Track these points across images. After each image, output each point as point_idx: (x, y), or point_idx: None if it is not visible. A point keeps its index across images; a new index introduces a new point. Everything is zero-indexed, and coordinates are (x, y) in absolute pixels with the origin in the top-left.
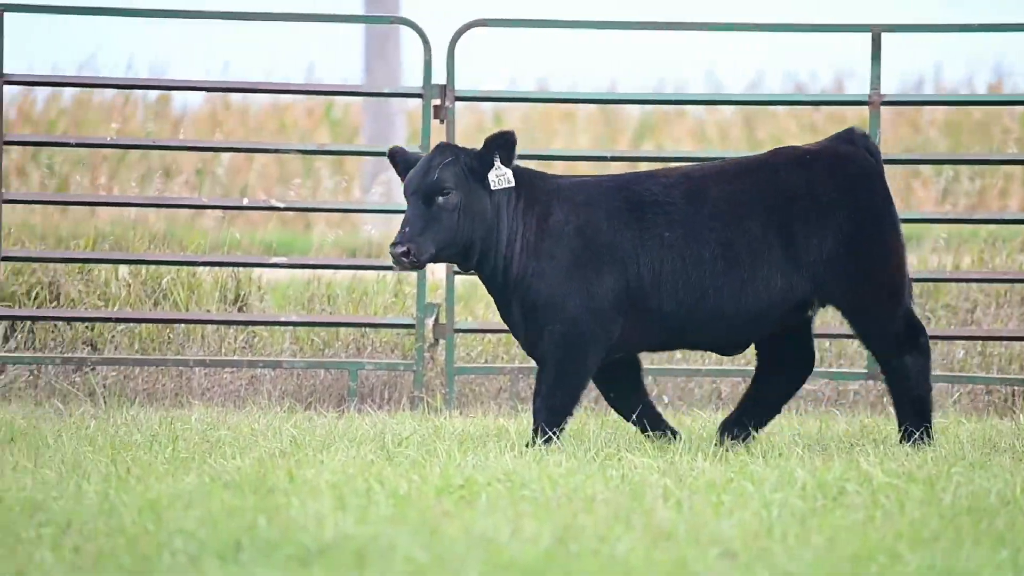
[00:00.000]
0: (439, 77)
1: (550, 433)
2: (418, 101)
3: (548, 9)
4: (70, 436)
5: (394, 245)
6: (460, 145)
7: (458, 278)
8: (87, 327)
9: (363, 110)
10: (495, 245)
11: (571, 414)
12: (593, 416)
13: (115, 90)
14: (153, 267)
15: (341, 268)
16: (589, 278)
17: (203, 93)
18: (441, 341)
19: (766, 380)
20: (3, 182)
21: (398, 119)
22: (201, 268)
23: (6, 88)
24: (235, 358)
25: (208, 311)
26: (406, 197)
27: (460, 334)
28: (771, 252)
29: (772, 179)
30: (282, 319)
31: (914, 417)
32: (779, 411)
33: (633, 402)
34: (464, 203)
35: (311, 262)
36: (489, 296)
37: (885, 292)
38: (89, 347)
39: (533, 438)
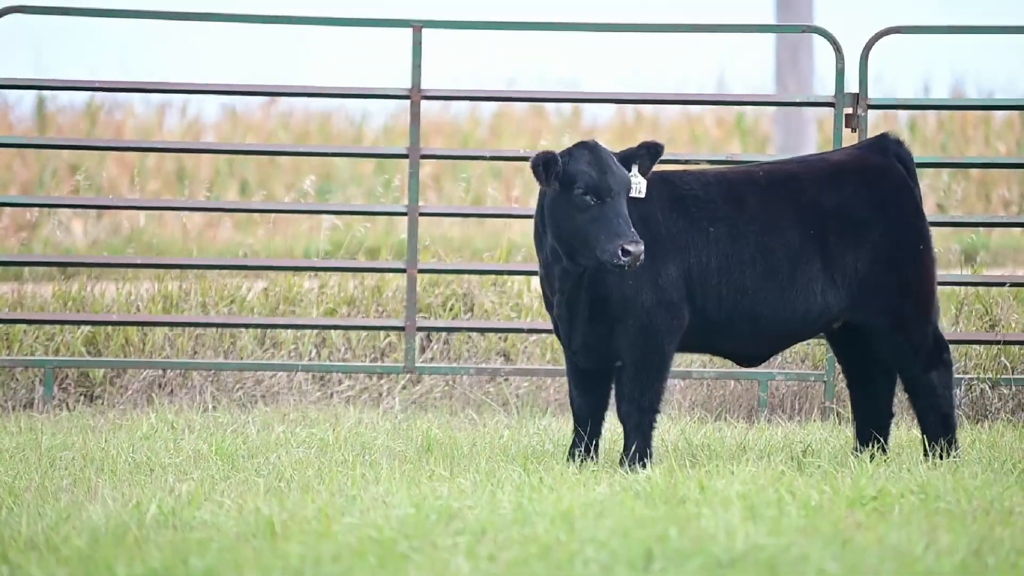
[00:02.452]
0: (851, 85)
1: (645, 436)
2: (830, 110)
3: (962, 14)
4: (484, 446)
5: (636, 243)
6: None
7: None
8: (500, 338)
9: (774, 120)
10: None
11: (659, 411)
12: (1010, 428)
13: (530, 104)
14: None
15: None
16: (656, 269)
17: (613, 105)
18: None
19: (865, 394)
20: (420, 195)
21: (809, 128)
22: None
23: (424, 102)
24: None
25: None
26: (613, 196)
27: None
28: (810, 265)
29: (805, 193)
30: None
31: (942, 432)
32: (892, 414)
33: (596, 413)
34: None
35: None
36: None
37: (920, 310)
38: (503, 357)
39: (627, 445)
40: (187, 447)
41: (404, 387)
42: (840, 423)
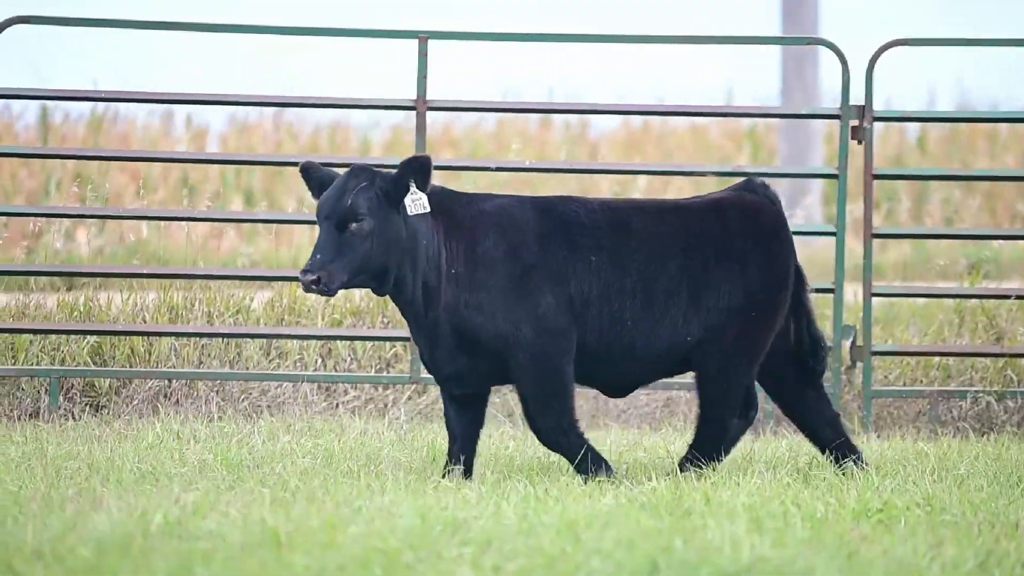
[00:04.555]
0: (857, 98)
1: (583, 446)
2: (836, 122)
3: (966, 26)
4: (490, 457)
5: (304, 272)
6: (376, 168)
7: (876, 300)
8: None
9: (780, 131)
10: (411, 271)
11: (578, 422)
12: (1016, 441)
13: (537, 115)
14: None
15: None
16: (535, 299)
17: (620, 117)
18: (858, 363)
19: (796, 406)
20: None
21: (816, 140)
22: None
23: (429, 114)
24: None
25: None
26: (319, 221)
27: (878, 356)
28: (680, 295)
29: (689, 223)
30: None
31: (698, 461)
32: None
33: (471, 436)
34: (378, 230)
35: None
36: (901, 318)
37: (754, 356)
38: None
39: (576, 465)
40: (193, 457)
41: (410, 398)
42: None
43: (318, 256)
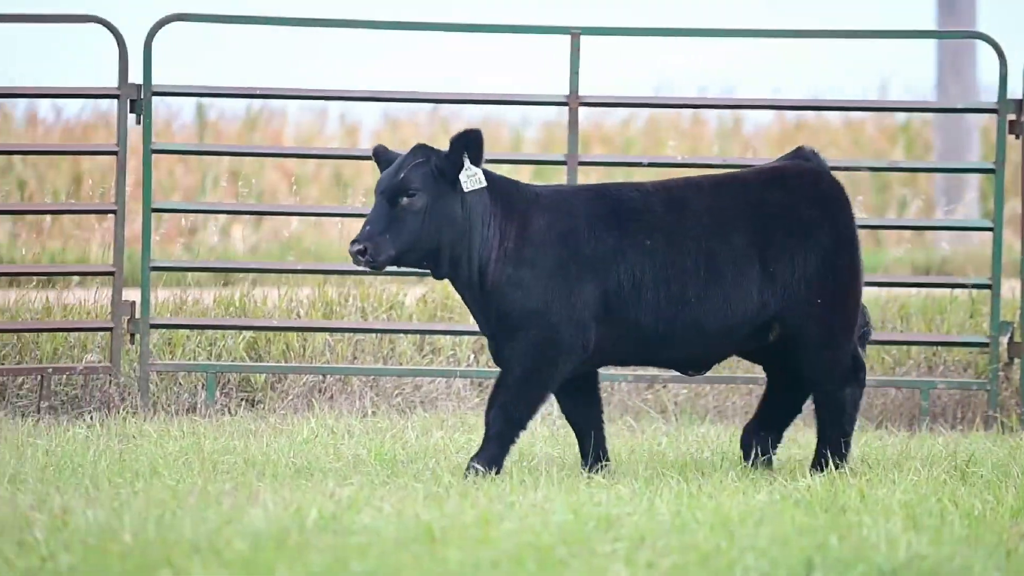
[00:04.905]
0: (1016, 91)
1: (503, 446)
2: (993, 116)
3: None
4: (643, 453)
5: (352, 243)
6: (435, 148)
7: None
8: None
9: (935, 126)
10: (467, 251)
11: (524, 428)
12: None
13: (685, 110)
14: None
15: (902, 286)
16: (570, 286)
17: (774, 111)
18: (1016, 360)
19: (777, 396)
20: None
21: (972, 136)
22: None
23: (581, 109)
24: None
25: None
26: (375, 195)
27: None
28: (750, 268)
29: (750, 195)
30: None
31: (835, 455)
32: (788, 426)
33: (591, 419)
34: (431, 206)
35: (879, 280)
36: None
37: (848, 320)
38: None
39: (483, 447)
40: (347, 452)
41: None
42: (1004, 432)
43: (367, 228)
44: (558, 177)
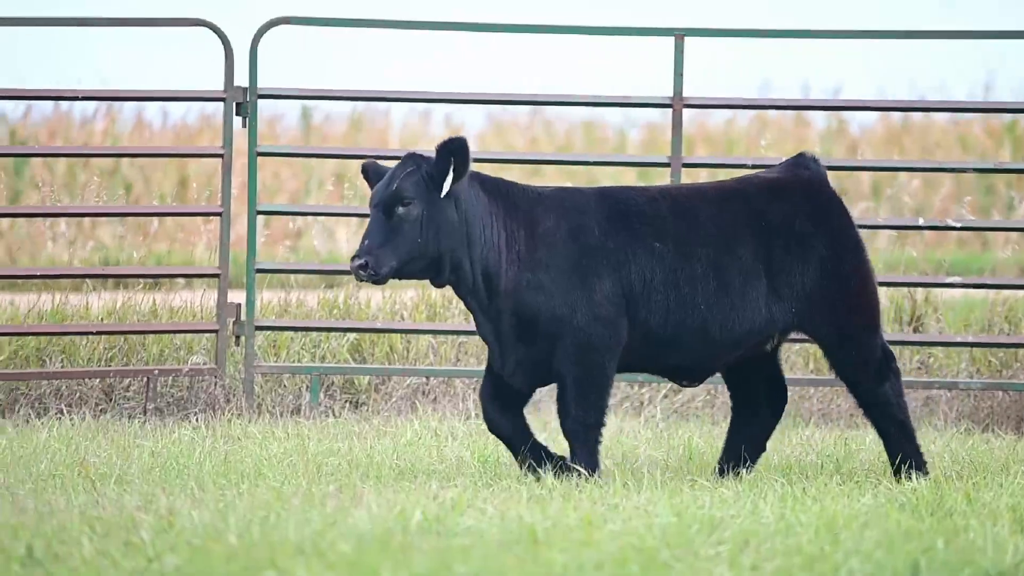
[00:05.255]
0: None
1: (592, 451)
2: None
3: None
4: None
5: (352, 258)
6: (425, 155)
7: None
8: None
9: None
10: (467, 255)
11: (604, 425)
12: None
13: (793, 112)
14: None
15: (1009, 288)
16: (591, 284)
17: (879, 112)
18: None
19: (746, 420)
20: None
21: None
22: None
23: (686, 111)
24: (910, 379)
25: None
26: (371, 209)
27: None
28: (757, 279)
29: (753, 207)
30: (958, 340)
31: (905, 444)
32: (764, 449)
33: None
34: (427, 213)
35: (986, 281)
36: None
37: (866, 320)
38: None
39: (575, 460)
40: (450, 454)
41: (666, 396)
42: None
43: (366, 242)
44: (662, 179)
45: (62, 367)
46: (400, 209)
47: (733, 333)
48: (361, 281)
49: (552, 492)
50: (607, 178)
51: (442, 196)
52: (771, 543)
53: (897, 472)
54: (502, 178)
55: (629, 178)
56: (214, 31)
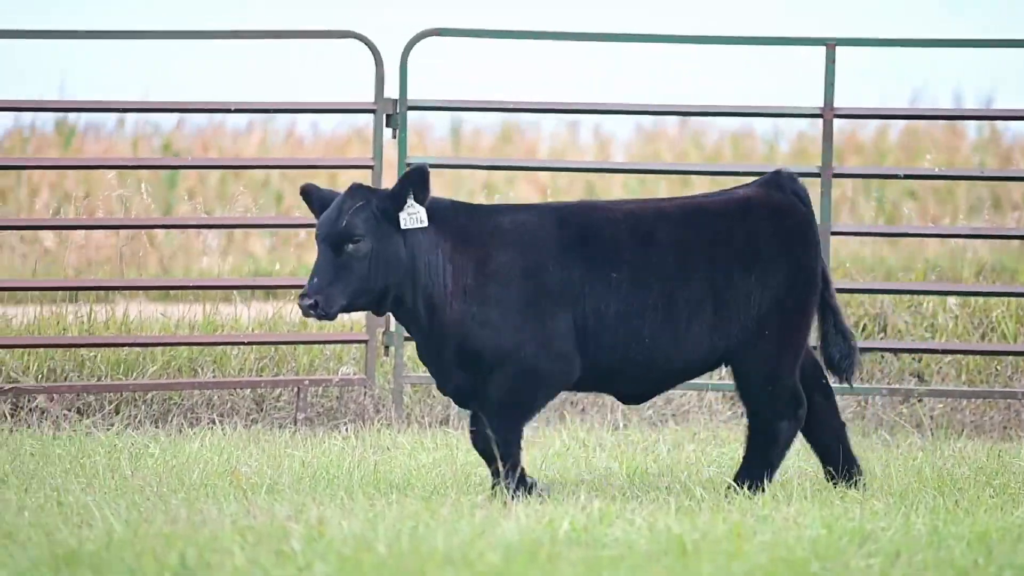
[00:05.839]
0: None
1: (515, 462)
2: None
3: None
4: (898, 468)
5: (301, 297)
6: (373, 187)
7: None
8: (914, 358)
9: None
10: (410, 288)
11: (523, 437)
12: None
13: (945, 121)
14: (982, 299)
15: None
16: (544, 321)
17: None
18: None
19: (812, 418)
20: (832, 214)
21: None
22: None
23: (836, 121)
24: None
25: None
26: (317, 243)
27: None
28: (704, 305)
29: (717, 227)
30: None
31: (756, 477)
32: (845, 425)
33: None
34: (376, 250)
35: None
36: None
37: (794, 356)
38: (916, 378)
39: (504, 470)
40: (598, 465)
41: None
42: None
43: (315, 280)
44: (812, 188)
45: (214, 377)
46: (349, 246)
47: (676, 364)
48: (308, 318)
49: (701, 503)
50: None
51: (404, 227)
52: (922, 556)
53: (735, 480)
54: (458, 203)
55: None
56: (365, 43)
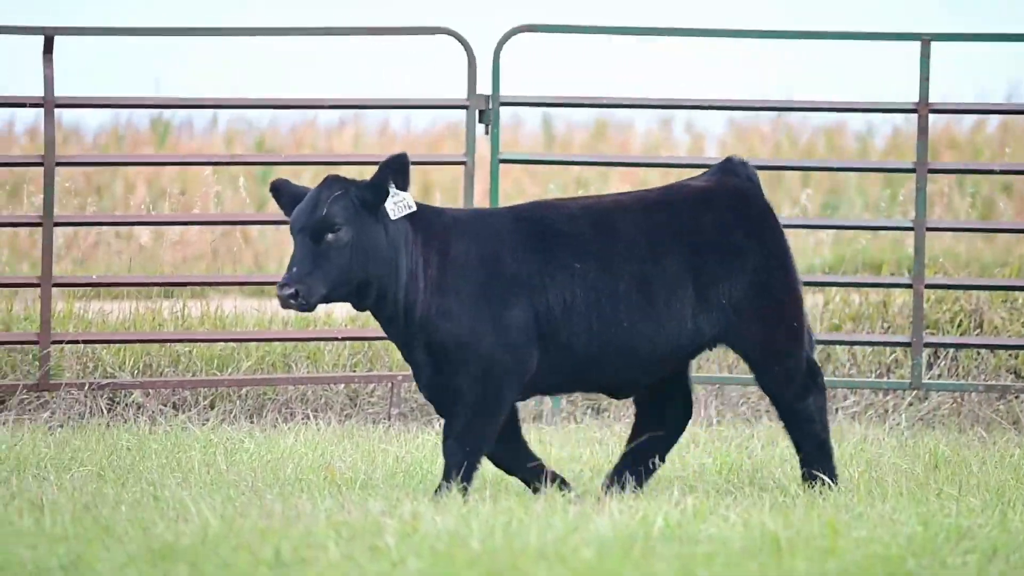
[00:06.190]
0: None
1: (461, 476)
2: None
3: None
4: (994, 464)
5: (280, 286)
6: (349, 178)
7: None
8: (1011, 354)
9: None
10: (394, 284)
11: (483, 454)
12: None
13: None
14: None
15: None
16: (497, 312)
17: None
18: None
19: (649, 430)
20: (927, 210)
21: None
22: None
23: (931, 116)
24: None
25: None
26: (293, 235)
27: None
28: (684, 293)
29: (683, 218)
30: None
31: (821, 461)
32: (663, 462)
33: (520, 454)
34: (356, 239)
35: None
36: None
37: (792, 333)
38: (1013, 375)
39: (446, 479)
40: (692, 461)
41: (911, 404)
42: None
43: (295, 269)
44: (908, 183)
45: (308, 373)
46: (329, 235)
47: (659, 349)
48: (288, 308)
49: (796, 500)
50: (850, 184)
51: (392, 219)
52: (1019, 553)
53: (804, 483)
54: (426, 204)
55: (873, 184)
56: (457, 39)
